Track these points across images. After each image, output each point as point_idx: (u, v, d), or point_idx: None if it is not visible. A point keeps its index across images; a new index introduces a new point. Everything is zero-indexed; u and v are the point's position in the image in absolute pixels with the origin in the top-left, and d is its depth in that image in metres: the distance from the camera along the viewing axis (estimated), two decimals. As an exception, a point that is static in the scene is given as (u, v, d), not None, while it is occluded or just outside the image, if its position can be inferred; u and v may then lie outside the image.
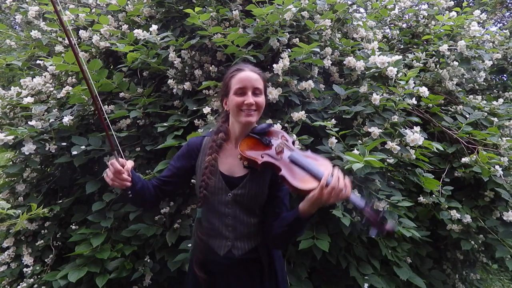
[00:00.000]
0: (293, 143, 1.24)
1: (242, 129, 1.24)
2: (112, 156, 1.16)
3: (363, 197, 1.04)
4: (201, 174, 1.22)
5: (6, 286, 2.20)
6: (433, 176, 2.23)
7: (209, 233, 1.24)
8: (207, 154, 1.24)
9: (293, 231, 1.12)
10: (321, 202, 1.00)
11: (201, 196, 1.21)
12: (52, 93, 2.51)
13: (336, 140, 1.92)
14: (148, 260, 2.04)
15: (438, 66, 2.90)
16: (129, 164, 1.16)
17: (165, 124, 2.05)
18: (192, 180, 1.39)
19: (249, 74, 1.19)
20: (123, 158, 1.15)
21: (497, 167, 2.21)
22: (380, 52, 2.39)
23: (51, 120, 2.19)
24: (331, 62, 2.28)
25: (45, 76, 2.54)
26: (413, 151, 1.99)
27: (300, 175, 1.07)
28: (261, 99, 1.20)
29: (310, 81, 2.03)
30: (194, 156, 1.29)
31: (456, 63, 2.70)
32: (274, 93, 1.94)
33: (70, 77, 2.54)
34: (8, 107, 2.47)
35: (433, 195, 2.26)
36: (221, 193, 1.21)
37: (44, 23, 2.53)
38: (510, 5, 8.50)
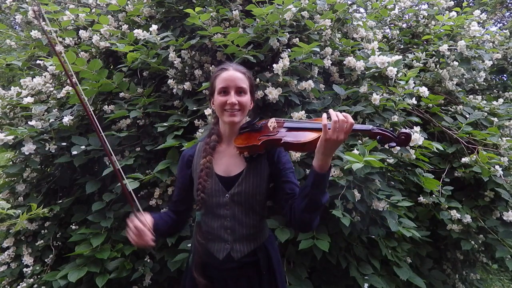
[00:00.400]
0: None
1: (230, 129, 1.24)
2: (130, 213, 1.10)
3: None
4: (197, 177, 1.21)
5: (6, 286, 2.20)
6: (433, 176, 2.23)
7: (207, 236, 1.23)
8: (201, 157, 1.23)
9: (316, 197, 1.03)
10: (331, 143, 0.96)
11: (199, 199, 1.19)
12: (52, 93, 2.51)
13: (336, 140, 1.91)
14: (148, 260, 2.04)
15: (438, 66, 2.90)
16: (149, 219, 1.13)
17: (165, 124, 2.05)
18: None
19: (232, 74, 1.18)
20: (141, 212, 1.11)
21: (497, 167, 2.21)
22: (380, 52, 2.39)
23: (51, 120, 2.19)
24: (331, 62, 2.28)
25: (45, 76, 2.54)
26: (413, 151, 1.99)
27: (301, 134, 1.09)
28: (245, 99, 1.19)
29: (310, 81, 2.03)
30: (189, 163, 1.28)
31: (456, 63, 2.70)
32: (274, 93, 1.94)
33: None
34: (8, 107, 2.48)
35: (433, 195, 2.26)
36: (218, 195, 1.20)
37: (44, 23, 2.53)
38: (510, 5, 8.50)
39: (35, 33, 2.51)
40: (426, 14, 3.46)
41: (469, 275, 2.71)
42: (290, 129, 1.14)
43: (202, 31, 2.11)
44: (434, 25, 3.24)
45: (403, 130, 1.02)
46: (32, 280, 2.03)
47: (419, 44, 3.38)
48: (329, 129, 0.96)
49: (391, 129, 1.04)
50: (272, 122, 1.20)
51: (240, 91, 1.18)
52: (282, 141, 1.09)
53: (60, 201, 2.24)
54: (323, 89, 2.26)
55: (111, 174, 2.03)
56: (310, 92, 2.14)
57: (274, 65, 1.99)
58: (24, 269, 2.06)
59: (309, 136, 1.05)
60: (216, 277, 1.23)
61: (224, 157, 1.24)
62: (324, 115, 1.01)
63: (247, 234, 1.21)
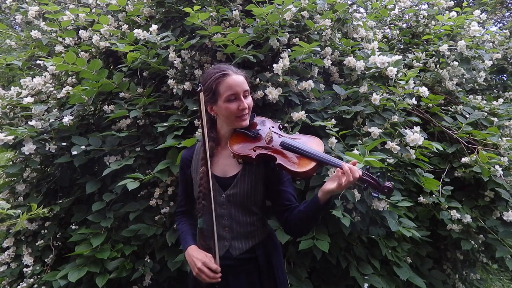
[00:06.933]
0: (280, 127, 1.27)
1: (232, 131, 1.25)
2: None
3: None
4: (198, 185, 1.22)
5: (6, 286, 2.20)
6: (433, 176, 2.22)
7: (208, 234, 1.24)
8: (200, 165, 1.23)
9: (316, 220, 1.15)
10: (341, 188, 1.04)
11: (200, 206, 1.21)
12: (52, 93, 2.51)
13: (336, 140, 1.92)
14: (148, 260, 2.04)
15: (438, 66, 2.89)
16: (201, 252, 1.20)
17: (165, 124, 2.05)
18: None
19: (236, 78, 1.16)
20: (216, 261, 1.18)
21: (497, 167, 2.21)
22: (380, 52, 2.39)
23: (51, 120, 2.19)
24: (331, 62, 2.28)
25: (45, 76, 2.54)
26: (413, 151, 1.98)
27: (295, 159, 1.12)
28: (250, 100, 1.21)
29: (310, 81, 2.03)
30: (188, 164, 1.31)
31: (456, 63, 2.70)
32: (274, 93, 1.94)
33: (70, 77, 2.54)
34: (8, 107, 2.47)
35: (433, 195, 2.26)
36: (215, 195, 1.21)
37: (44, 23, 2.53)
38: (510, 5, 8.50)
39: (35, 33, 2.51)
40: (426, 14, 3.46)
41: (469, 275, 2.71)
42: (286, 147, 1.14)
43: (202, 31, 2.11)
44: (434, 25, 3.24)
45: (387, 184, 1.08)
46: (32, 280, 2.03)
47: (419, 44, 3.37)
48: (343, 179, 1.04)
49: (378, 173, 1.13)
50: (269, 132, 1.20)
51: (246, 94, 1.19)
52: (276, 162, 1.12)
53: (60, 201, 2.24)
54: (323, 89, 2.25)
55: (111, 174, 2.03)
56: (310, 92, 2.14)
57: (274, 65, 1.99)
58: (24, 269, 2.06)
59: (304, 167, 1.08)
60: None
61: (222, 157, 1.26)
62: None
63: (244, 232, 1.24)
